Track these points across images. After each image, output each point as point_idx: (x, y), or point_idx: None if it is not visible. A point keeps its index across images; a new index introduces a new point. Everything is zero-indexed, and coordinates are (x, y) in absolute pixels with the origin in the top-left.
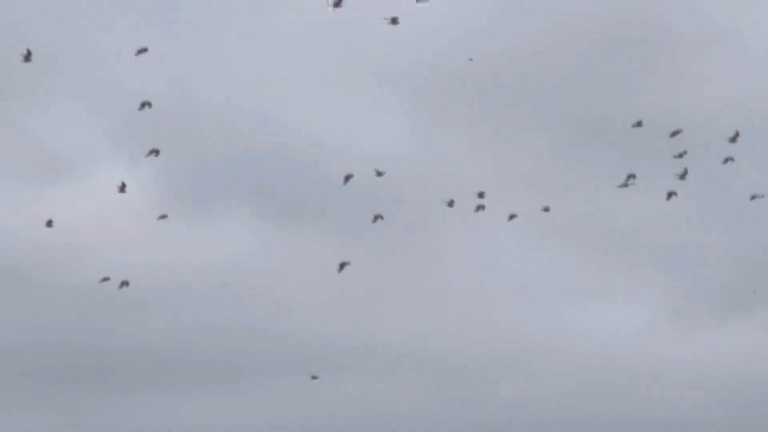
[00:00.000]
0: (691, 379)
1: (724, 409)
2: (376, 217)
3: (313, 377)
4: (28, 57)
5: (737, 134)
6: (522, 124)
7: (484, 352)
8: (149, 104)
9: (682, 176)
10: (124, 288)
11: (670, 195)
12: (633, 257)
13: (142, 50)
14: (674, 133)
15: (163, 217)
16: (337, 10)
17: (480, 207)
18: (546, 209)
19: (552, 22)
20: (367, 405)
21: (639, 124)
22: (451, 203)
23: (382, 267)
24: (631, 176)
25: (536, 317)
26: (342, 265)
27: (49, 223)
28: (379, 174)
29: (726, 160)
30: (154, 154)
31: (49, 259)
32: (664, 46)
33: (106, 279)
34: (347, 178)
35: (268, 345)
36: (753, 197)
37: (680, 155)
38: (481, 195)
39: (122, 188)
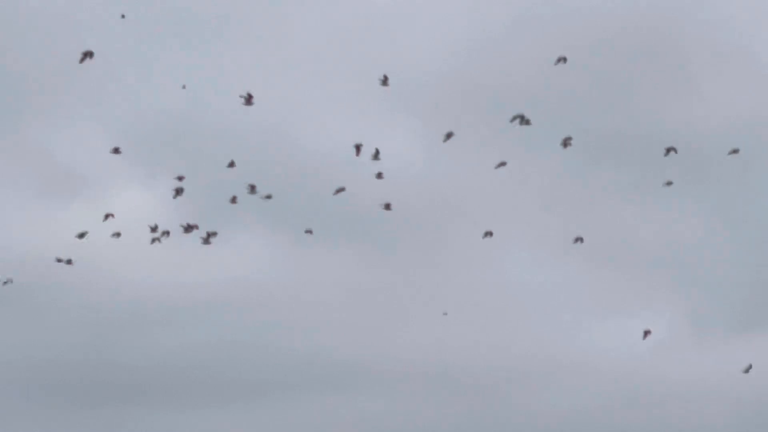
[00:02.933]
0: (709, 395)
1: (743, 425)
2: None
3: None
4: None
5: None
6: (536, 139)
7: (500, 367)
8: (90, 54)
9: (668, 183)
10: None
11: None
12: (650, 273)
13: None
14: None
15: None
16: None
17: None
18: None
19: (566, 35)
20: (381, 421)
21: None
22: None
23: (397, 282)
24: (668, 183)
25: (553, 333)
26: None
27: (82, 235)
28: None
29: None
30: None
31: (65, 276)
32: (682, 61)
33: None
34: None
35: (283, 361)
36: None
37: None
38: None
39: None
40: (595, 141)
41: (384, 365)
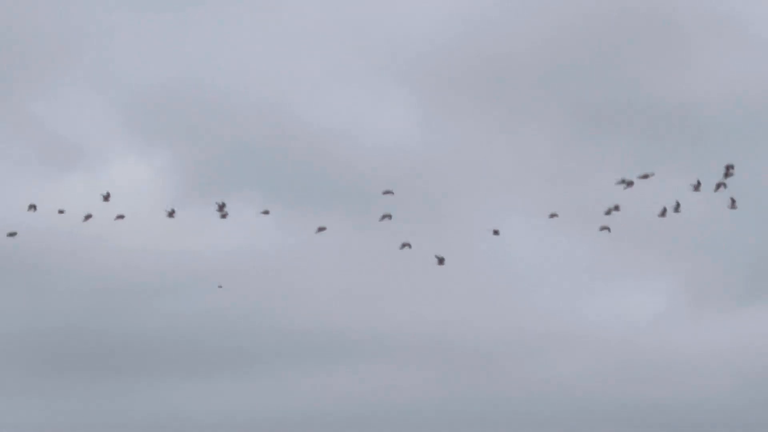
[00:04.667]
0: (709, 364)
1: (743, 394)
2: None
3: None
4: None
5: (699, 183)
6: (533, 112)
7: (500, 339)
8: None
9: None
10: None
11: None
12: (650, 244)
13: None
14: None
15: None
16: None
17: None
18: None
19: (562, 10)
20: (379, 391)
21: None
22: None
23: (395, 254)
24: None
25: (553, 304)
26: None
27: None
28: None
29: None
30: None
31: (64, 246)
32: (676, 33)
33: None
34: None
35: (281, 331)
36: None
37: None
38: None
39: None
40: (593, 112)
41: (383, 337)
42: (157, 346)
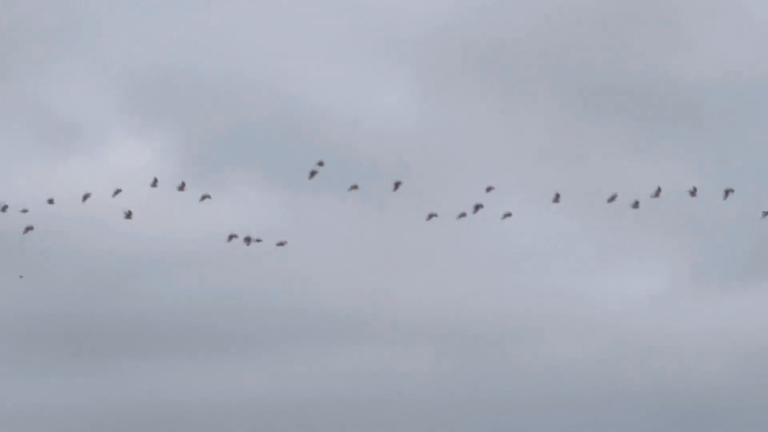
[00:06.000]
0: (709, 344)
1: (743, 374)
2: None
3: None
4: (182, 187)
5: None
6: (531, 93)
7: (499, 320)
8: None
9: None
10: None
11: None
12: (650, 224)
13: None
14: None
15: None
16: None
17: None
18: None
19: None
20: (380, 373)
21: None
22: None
23: (394, 236)
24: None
25: (552, 285)
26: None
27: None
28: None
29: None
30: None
31: (64, 228)
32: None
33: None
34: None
35: (282, 313)
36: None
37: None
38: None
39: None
40: (591, 94)
41: (383, 319)
42: (160, 328)
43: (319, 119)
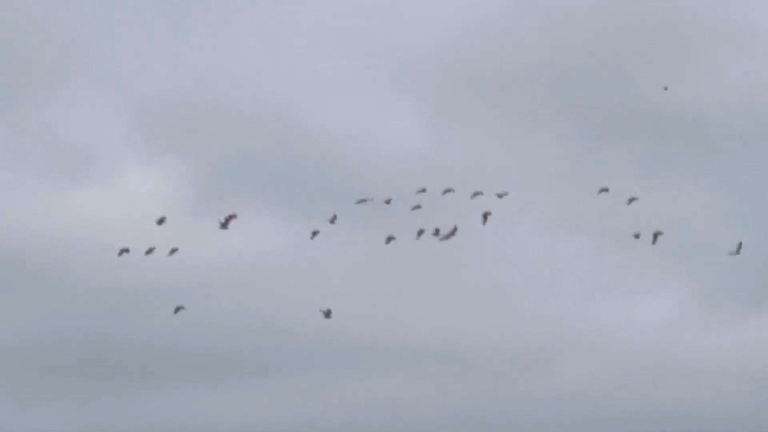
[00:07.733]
0: (720, 371)
1: (754, 401)
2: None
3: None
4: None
5: (741, 245)
6: (540, 120)
7: (510, 347)
8: None
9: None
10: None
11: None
12: (660, 251)
13: None
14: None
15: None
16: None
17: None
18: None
19: (569, 16)
20: (390, 400)
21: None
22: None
23: (406, 263)
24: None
25: (563, 312)
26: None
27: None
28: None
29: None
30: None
31: (75, 256)
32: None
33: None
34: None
35: (293, 341)
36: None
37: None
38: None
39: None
40: (601, 119)
41: (394, 346)
42: (171, 357)
43: (328, 146)
